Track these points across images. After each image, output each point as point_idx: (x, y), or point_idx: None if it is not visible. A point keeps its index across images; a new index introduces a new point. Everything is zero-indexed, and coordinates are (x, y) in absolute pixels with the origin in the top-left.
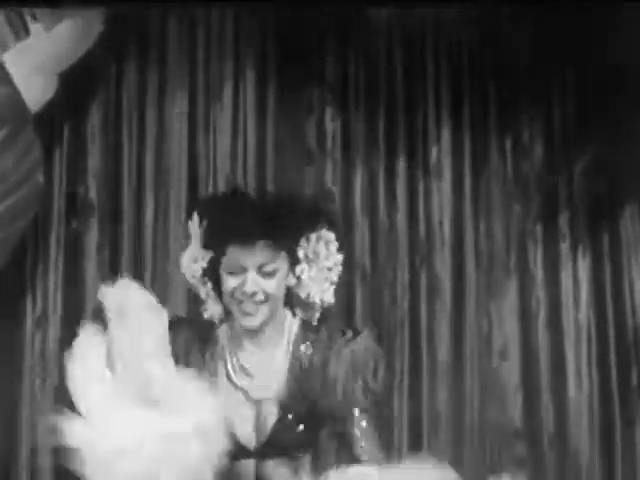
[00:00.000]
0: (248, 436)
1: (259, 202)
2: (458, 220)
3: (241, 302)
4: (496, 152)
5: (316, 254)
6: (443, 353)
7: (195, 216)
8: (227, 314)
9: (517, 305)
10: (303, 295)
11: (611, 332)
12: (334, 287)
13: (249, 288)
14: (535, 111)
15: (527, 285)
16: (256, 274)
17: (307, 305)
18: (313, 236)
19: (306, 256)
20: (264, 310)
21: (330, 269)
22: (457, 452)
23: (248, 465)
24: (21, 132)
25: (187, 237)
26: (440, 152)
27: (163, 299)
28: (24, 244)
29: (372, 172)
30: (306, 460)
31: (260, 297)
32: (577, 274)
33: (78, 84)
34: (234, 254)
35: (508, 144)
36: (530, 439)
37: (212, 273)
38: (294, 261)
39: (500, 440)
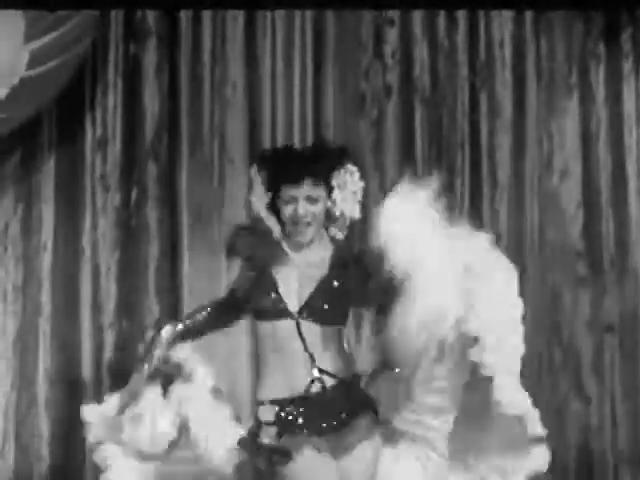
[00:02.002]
0: (292, 303)
1: (302, 151)
2: (519, 40)
3: (296, 224)
4: None
5: (344, 182)
6: (503, 173)
7: (255, 166)
8: (283, 233)
9: (578, 124)
10: (338, 213)
11: None
12: (359, 206)
13: (301, 211)
14: None
15: (588, 104)
16: (305, 202)
17: (340, 220)
18: (342, 170)
19: (338, 185)
20: (312, 230)
21: (355, 192)
22: (517, 271)
23: (290, 324)
24: None
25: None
26: None
27: (222, 121)
28: (83, 68)
29: None
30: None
31: (308, 219)
32: (639, 92)
33: None
34: (287, 190)
35: None
36: (591, 258)
37: (273, 207)
38: (330, 190)
39: (561, 259)
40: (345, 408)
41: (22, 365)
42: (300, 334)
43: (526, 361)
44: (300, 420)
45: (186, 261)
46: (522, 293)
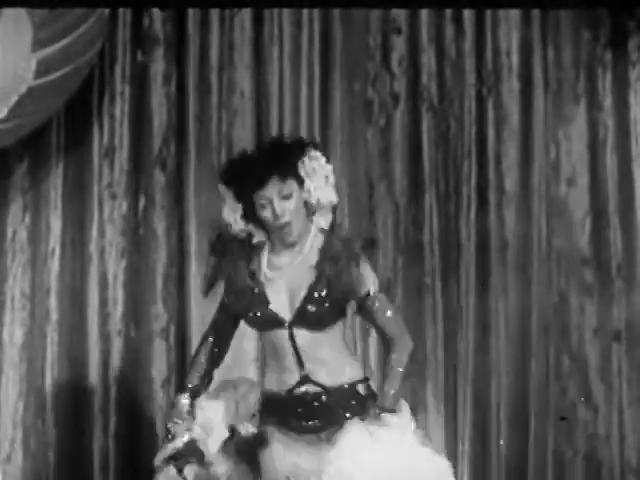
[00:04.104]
0: (284, 313)
1: (260, 153)
2: (526, 47)
3: (279, 227)
4: None
5: (313, 170)
6: (511, 180)
7: (221, 182)
8: (268, 237)
9: (585, 131)
10: (314, 202)
11: None
12: (334, 190)
13: (278, 210)
14: None
15: (595, 111)
16: (279, 200)
17: (320, 208)
18: (306, 158)
19: (307, 174)
20: (295, 226)
21: (327, 177)
22: (524, 279)
23: (283, 333)
24: None
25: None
26: None
27: (230, 124)
28: (91, 76)
29: None
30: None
31: (287, 217)
32: None
33: None
34: (259, 195)
35: None
36: (598, 265)
37: (251, 216)
38: (301, 181)
39: (568, 267)
40: (324, 414)
41: (29, 372)
42: (292, 341)
43: (533, 369)
44: (275, 418)
45: (193, 269)
46: (529, 302)
